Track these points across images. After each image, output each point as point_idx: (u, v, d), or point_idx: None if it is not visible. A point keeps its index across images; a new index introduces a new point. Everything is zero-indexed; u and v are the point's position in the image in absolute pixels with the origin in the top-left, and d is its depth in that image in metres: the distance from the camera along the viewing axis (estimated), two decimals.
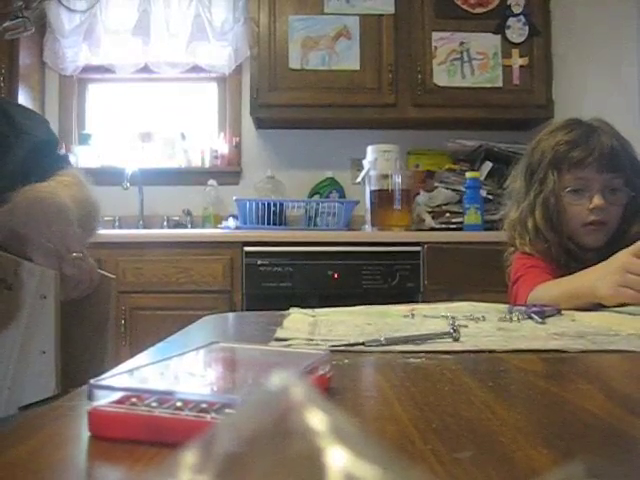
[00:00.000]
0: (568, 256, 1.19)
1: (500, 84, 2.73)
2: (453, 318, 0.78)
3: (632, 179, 1.19)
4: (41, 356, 0.65)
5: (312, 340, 0.66)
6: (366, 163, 2.65)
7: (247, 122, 2.97)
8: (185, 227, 2.88)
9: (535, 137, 1.30)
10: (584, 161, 1.18)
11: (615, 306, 0.94)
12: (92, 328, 0.85)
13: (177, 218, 2.92)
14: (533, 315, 0.84)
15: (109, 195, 2.44)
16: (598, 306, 0.97)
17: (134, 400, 0.34)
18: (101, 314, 0.86)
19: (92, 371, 0.82)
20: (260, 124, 2.93)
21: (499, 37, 2.74)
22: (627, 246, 1.11)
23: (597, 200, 1.17)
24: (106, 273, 0.88)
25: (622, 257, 0.93)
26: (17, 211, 0.72)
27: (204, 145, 3.00)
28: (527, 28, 2.73)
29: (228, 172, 2.99)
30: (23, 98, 2.75)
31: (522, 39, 2.74)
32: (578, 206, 1.20)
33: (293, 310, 0.90)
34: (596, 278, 0.97)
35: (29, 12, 0.79)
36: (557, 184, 1.20)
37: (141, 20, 2.88)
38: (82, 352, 0.83)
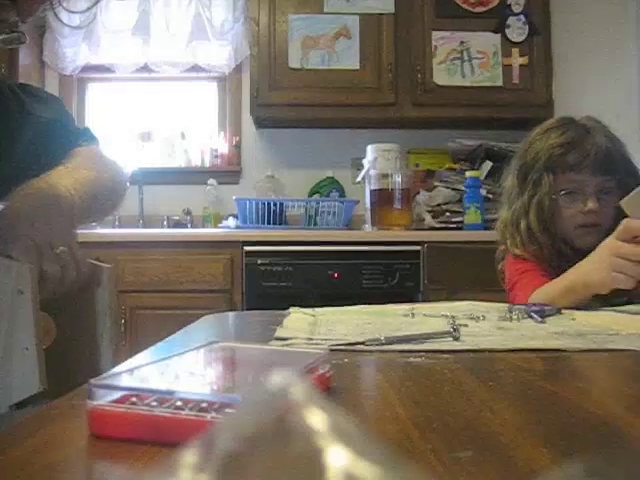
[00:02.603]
0: (560, 258, 1.19)
1: (500, 83, 2.73)
2: (453, 317, 0.78)
3: (625, 179, 1.19)
4: (24, 353, 0.65)
5: (312, 339, 0.66)
6: (366, 162, 2.65)
7: (247, 121, 2.97)
8: (185, 227, 2.88)
9: (527, 136, 1.29)
10: (580, 164, 1.18)
11: (615, 300, 0.94)
12: (87, 320, 0.85)
13: (177, 217, 2.92)
14: (533, 314, 0.84)
15: None
16: (595, 303, 0.96)
17: (134, 399, 0.34)
18: (94, 305, 0.85)
19: (92, 363, 0.81)
20: (260, 123, 2.93)
21: (499, 36, 2.73)
22: None
23: (591, 203, 1.17)
24: (100, 263, 0.87)
25: (609, 243, 0.93)
26: (7, 213, 0.72)
27: (204, 144, 3.00)
28: (527, 27, 2.73)
29: (228, 171, 2.99)
30: None
31: (522, 38, 2.73)
32: (572, 209, 1.20)
33: (293, 309, 0.90)
34: (588, 269, 0.97)
35: (25, 26, 0.79)
36: (552, 186, 1.20)
37: (141, 20, 2.88)
38: (78, 345, 0.83)
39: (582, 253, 1.04)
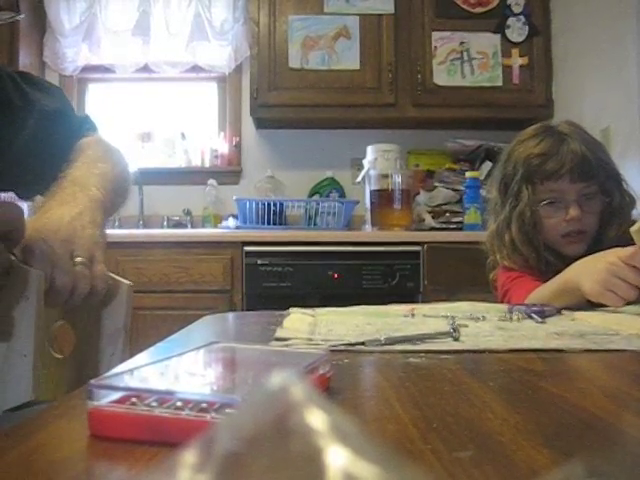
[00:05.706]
0: (548, 267, 1.18)
1: (500, 84, 2.73)
2: (453, 318, 0.78)
3: (606, 184, 1.18)
4: (22, 359, 0.64)
5: (312, 340, 0.66)
6: (366, 163, 2.65)
7: (247, 122, 2.97)
8: (185, 227, 2.88)
9: (508, 146, 1.28)
10: (556, 173, 1.17)
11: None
12: (104, 337, 0.84)
13: (177, 218, 2.92)
14: (533, 315, 0.84)
15: None
16: (589, 304, 0.96)
17: (134, 400, 0.34)
18: (113, 323, 0.85)
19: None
20: (260, 124, 2.93)
21: (499, 37, 2.74)
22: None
23: (573, 211, 1.16)
24: (121, 279, 0.86)
25: (611, 258, 0.92)
26: (36, 223, 0.71)
27: (204, 145, 3.00)
28: (527, 28, 2.73)
29: (228, 172, 2.99)
30: None
31: (522, 39, 2.74)
32: (554, 218, 1.19)
33: (293, 310, 0.90)
34: (582, 272, 0.96)
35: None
36: (531, 198, 1.19)
37: (141, 20, 2.88)
38: (94, 361, 0.82)
39: (570, 260, 1.04)
